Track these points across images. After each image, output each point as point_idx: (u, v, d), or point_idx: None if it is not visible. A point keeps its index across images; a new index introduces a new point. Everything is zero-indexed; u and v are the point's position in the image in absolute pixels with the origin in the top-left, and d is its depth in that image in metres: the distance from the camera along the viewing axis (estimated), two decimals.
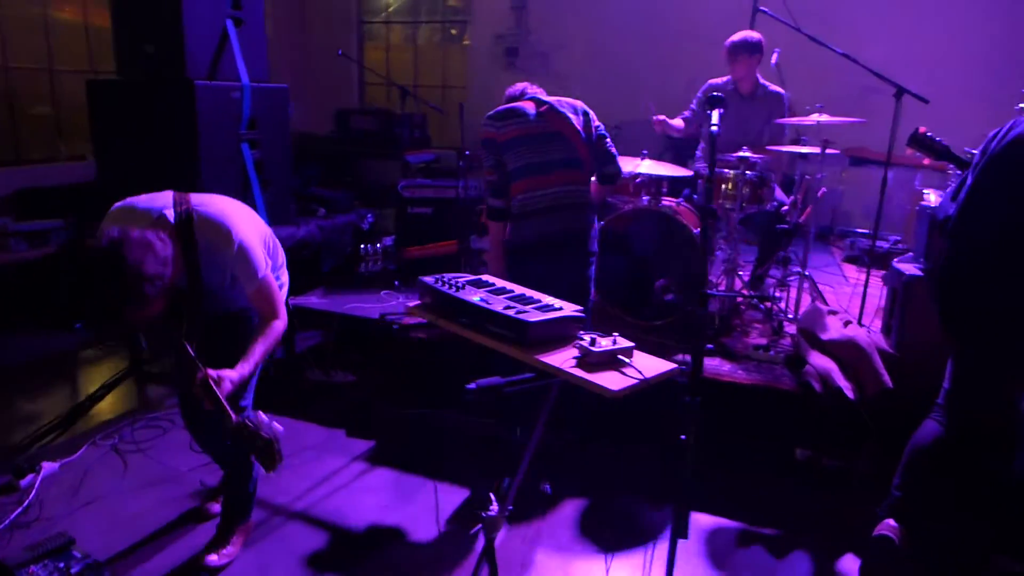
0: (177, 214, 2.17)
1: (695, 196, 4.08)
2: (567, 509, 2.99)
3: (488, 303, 1.82)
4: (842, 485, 3.14)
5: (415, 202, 4.38)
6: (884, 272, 4.44)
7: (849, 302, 4.18)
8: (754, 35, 4.28)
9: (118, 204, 2.24)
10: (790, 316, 3.97)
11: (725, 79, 4.45)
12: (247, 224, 2.28)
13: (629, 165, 3.82)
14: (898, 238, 5.37)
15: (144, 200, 2.24)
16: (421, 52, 7.70)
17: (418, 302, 2.07)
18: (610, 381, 1.62)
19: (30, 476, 3.03)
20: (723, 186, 3.91)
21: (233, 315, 2.46)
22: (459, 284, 1.97)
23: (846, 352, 3.19)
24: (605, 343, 1.71)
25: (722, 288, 3.89)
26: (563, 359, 1.72)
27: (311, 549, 2.72)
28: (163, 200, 2.23)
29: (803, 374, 3.21)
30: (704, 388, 3.22)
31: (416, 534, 2.82)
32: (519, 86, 3.23)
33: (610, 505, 3.06)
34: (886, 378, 3.05)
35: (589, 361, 1.67)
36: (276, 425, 2.00)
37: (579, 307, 1.88)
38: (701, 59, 6.47)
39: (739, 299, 4.11)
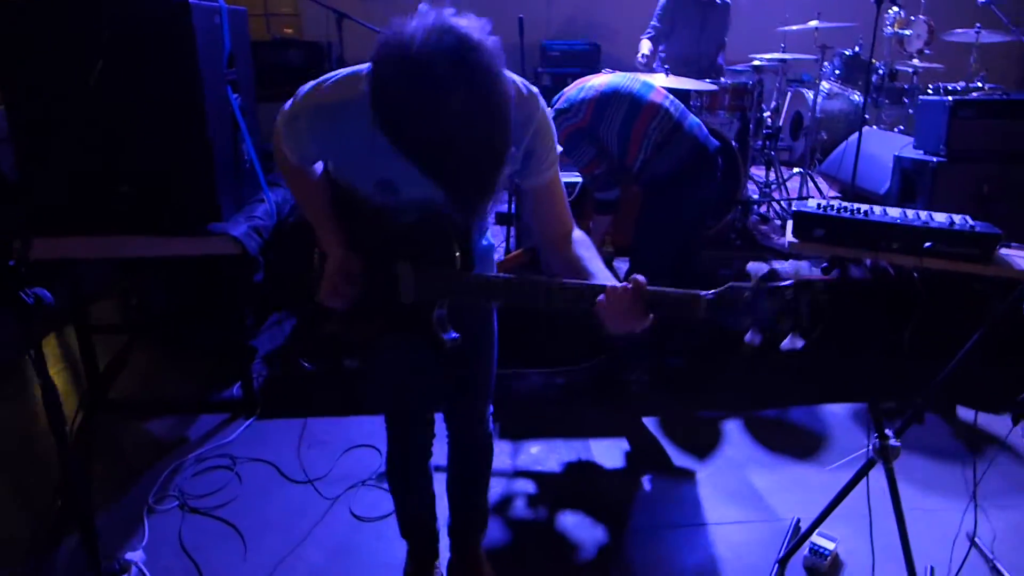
0: None
1: None
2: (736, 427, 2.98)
3: (933, 222, 1.69)
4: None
5: None
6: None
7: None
8: None
9: (311, 85, 1.45)
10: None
11: None
12: None
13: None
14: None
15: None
16: None
17: (794, 239, 1.82)
18: None
19: None
20: (725, 96, 3.98)
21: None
22: (855, 209, 1.78)
23: None
24: None
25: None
26: None
27: (584, 541, 2.37)
28: None
29: (874, 268, 3.51)
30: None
31: (653, 492, 2.61)
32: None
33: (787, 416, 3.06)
34: None
35: None
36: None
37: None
38: None
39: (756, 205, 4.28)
